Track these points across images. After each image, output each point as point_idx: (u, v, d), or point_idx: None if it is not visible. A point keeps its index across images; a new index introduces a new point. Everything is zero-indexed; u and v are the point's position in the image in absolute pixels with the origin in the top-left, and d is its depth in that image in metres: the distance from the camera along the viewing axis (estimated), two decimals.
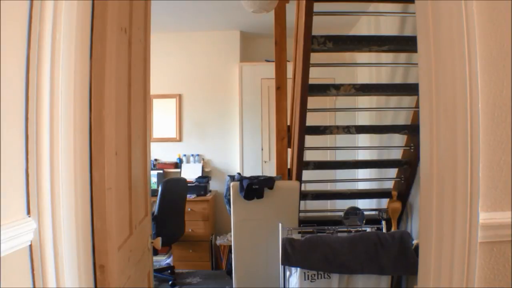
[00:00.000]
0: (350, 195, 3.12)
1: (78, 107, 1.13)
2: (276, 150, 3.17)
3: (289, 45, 3.17)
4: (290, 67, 3.41)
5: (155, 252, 4.15)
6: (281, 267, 2.61)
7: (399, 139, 3.18)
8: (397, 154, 3.14)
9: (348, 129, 2.93)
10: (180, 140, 5.11)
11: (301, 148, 2.81)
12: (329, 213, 3.32)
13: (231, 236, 2.83)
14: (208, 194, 4.66)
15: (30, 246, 1.04)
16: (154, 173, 4.84)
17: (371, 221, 3.13)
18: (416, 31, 1.18)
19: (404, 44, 2.66)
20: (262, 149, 4.89)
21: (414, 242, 2.59)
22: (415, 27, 1.20)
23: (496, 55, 1.10)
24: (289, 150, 3.16)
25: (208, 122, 5.01)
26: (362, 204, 3.36)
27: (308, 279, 2.55)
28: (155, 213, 3.73)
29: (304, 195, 3.10)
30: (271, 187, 2.83)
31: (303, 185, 2.99)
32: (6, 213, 0.95)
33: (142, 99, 1.72)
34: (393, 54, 3.19)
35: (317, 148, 3.09)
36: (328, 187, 4.25)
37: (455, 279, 1.09)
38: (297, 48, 2.80)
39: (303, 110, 2.67)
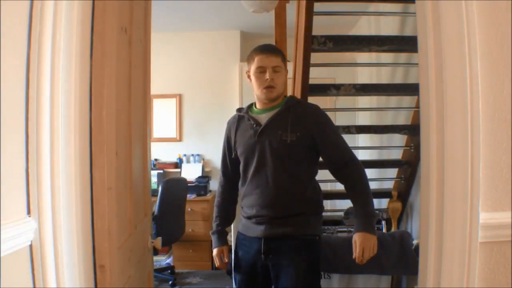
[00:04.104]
0: None
1: (78, 107, 1.13)
2: None
3: (289, 45, 3.17)
4: (290, 67, 3.41)
5: (155, 252, 4.15)
6: None
7: (399, 139, 3.19)
8: (397, 154, 3.15)
9: (348, 129, 2.93)
10: (180, 140, 5.11)
11: None
12: (329, 213, 3.31)
13: (231, 236, 2.82)
14: (208, 194, 4.66)
15: (30, 246, 1.04)
16: (154, 173, 4.84)
17: None
18: (416, 31, 1.18)
19: (404, 44, 2.66)
20: None
21: (414, 242, 2.59)
22: (415, 27, 1.20)
23: (497, 55, 1.10)
24: None
25: (208, 122, 5.00)
26: None
27: None
28: (155, 213, 3.73)
29: None
30: None
31: None
32: (7, 213, 0.95)
33: (142, 99, 1.72)
34: (393, 54, 3.19)
35: None
36: (328, 187, 4.25)
37: (455, 279, 1.09)
38: (297, 48, 2.80)
39: None
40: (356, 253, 1.72)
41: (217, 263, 1.97)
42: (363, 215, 1.78)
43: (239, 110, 1.96)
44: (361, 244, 1.71)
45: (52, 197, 1.06)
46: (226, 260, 1.97)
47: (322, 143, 1.81)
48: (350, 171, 1.83)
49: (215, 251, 1.97)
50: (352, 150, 1.90)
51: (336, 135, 1.88)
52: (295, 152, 1.79)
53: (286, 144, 1.76)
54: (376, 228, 1.77)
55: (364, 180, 1.83)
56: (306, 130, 1.78)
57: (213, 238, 1.99)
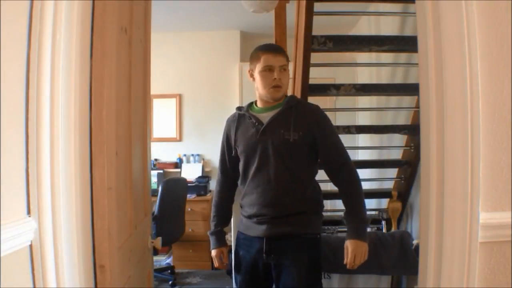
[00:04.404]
0: None
1: (78, 107, 1.13)
2: None
3: (289, 45, 3.17)
4: (290, 67, 3.40)
5: (155, 252, 4.15)
6: None
7: (399, 139, 3.19)
8: (397, 154, 3.15)
9: (348, 129, 2.93)
10: (180, 140, 5.11)
11: None
12: (329, 213, 3.32)
13: (231, 236, 2.82)
14: (208, 194, 4.66)
15: (30, 246, 1.04)
16: (154, 173, 4.84)
17: (371, 221, 3.13)
18: (416, 31, 1.18)
19: (404, 44, 2.66)
20: None
21: (414, 242, 2.59)
22: (415, 27, 1.20)
23: (497, 55, 1.10)
24: None
25: (208, 122, 5.00)
26: None
27: None
28: (155, 213, 3.73)
29: None
30: None
31: None
32: (7, 213, 0.95)
33: (142, 99, 1.72)
34: (393, 54, 3.19)
35: None
36: (328, 187, 4.25)
37: (455, 279, 1.09)
38: (297, 48, 2.80)
39: None
40: (347, 259, 1.76)
41: (216, 263, 1.97)
42: (355, 222, 1.79)
43: (239, 108, 1.95)
44: (353, 251, 1.75)
45: (52, 197, 1.06)
46: (226, 262, 1.96)
47: (322, 143, 1.81)
48: (345, 175, 1.83)
49: (214, 252, 1.97)
50: (352, 150, 1.90)
51: (335, 135, 1.88)
52: (297, 151, 1.79)
53: (288, 143, 1.76)
54: (369, 230, 1.77)
55: (358, 186, 1.84)
56: (308, 129, 1.79)
57: (212, 239, 1.98)
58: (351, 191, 1.82)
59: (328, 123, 1.87)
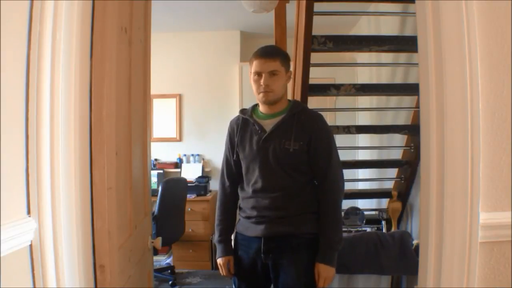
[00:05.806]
0: (350, 195, 3.12)
1: (78, 107, 1.13)
2: None
3: (289, 45, 3.17)
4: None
5: (155, 252, 4.15)
6: None
7: (399, 139, 3.19)
8: (397, 154, 3.15)
9: (348, 129, 2.93)
10: (180, 140, 5.11)
11: None
12: None
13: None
14: (208, 194, 4.66)
15: (30, 246, 1.04)
16: (154, 173, 4.84)
17: (371, 221, 3.13)
18: (416, 31, 1.18)
19: (404, 44, 2.66)
20: None
21: (414, 242, 2.59)
22: (415, 27, 1.20)
23: (497, 55, 1.10)
24: None
25: (208, 122, 5.00)
26: (362, 204, 3.36)
27: None
28: (155, 213, 3.73)
29: None
30: None
31: None
32: (7, 213, 0.95)
33: (142, 99, 1.72)
34: (393, 54, 3.19)
35: None
36: None
37: (456, 279, 1.09)
38: (297, 48, 2.80)
39: None
40: (319, 284, 1.80)
41: (224, 272, 1.93)
42: (328, 247, 1.79)
43: (242, 112, 1.95)
44: (324, 277, 1.79)
45: (52, 197, 1.06)
46: (232, 272, 1.94)
47: (314, 149, 1.81)
48: (327, 195, 1.82)
49: (221, 261, 1.93)
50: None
51: (330, 147, 1.84)
52: (297, 160, 1.80)
53: (288, 152, 1.78)
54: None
55: (337, 209, 1.84)
56: (307, 138, 1.79)
57: (219, 247, 1.95)
58: (330, 215, 1.81)
59: (326, 130, 1.85)
